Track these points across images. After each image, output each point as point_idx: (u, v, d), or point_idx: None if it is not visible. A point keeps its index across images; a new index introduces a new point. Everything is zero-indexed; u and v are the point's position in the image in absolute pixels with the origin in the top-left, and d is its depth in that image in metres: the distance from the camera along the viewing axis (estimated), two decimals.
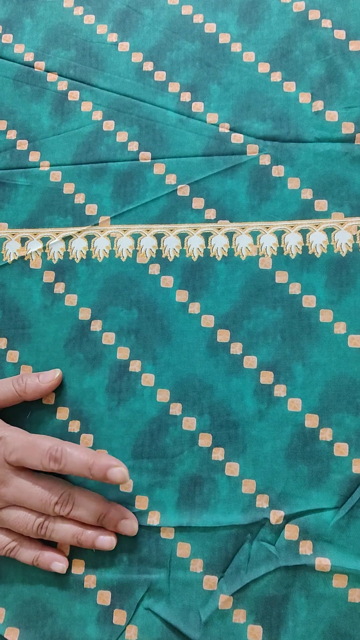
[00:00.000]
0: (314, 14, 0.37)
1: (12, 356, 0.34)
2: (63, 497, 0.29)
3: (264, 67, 0.37)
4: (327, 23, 0.37)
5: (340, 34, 0.37)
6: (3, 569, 0.32)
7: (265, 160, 0.35)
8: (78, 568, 0.31)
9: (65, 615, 0.30)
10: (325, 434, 0.31)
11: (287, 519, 0.30)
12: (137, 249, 0.35)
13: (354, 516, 0.29)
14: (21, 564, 0.31)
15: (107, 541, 0.29)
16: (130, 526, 0.30)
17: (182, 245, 0.35)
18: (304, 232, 0.34)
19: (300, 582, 0.29)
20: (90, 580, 0.31)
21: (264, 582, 0.29)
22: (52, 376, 0.32)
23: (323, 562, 0.29)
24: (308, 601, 0.29)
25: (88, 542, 0.29)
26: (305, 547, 0.29)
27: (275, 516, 0.30)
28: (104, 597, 0.30)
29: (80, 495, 0.30)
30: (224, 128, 0.36)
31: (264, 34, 0.38)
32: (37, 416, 0.33)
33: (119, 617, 0.30)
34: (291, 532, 0.30)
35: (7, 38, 0.40)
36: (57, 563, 0.30)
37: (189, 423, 0.32)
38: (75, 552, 0.31)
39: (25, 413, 0.33)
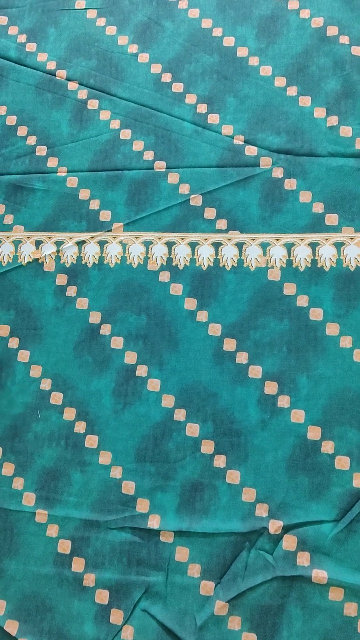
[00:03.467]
0: (332, 30, 0.38)
1: (23, 356, 0.35)
2: None
3: (280, 81, 0.38)
4: (344, 39, 0.37)
5: (357, 51, 0.37)
6: (5, 563, 0.32)
7: (278, 173, 0.36)
8: (78, 566, 0.32)
9: (63, 611, 0.31)
10: (327, 447, 0.31)
11: (286, 529, 0.30)
12: (148, 256, 0.36)
13: (353, 530, 0.30)
14: (24, 559, 0.32)
15: None
16: None
17: (193, 254, 0.35)
18: (313, 246, 0.34)
19: (296, 592, 0.29)
20: (89, 579, 0.31)
21: (260, 591, 0.30)
22: None
23: (320, 575, 0.29)
24: (303, 612, 0.29)
25: None
26: (303, 559, 0.30)
27: (274, 526, 0.30)
28: (102, 596, 0.31)
29: None
30: (239, 140, 0.37)
31: (282, 48, 0.38)
32: (45, 416, 0.34)
33: (116, 616, 0.31)
34: (289, 542, 0.30)
35: (31, 47, 0.41)
36: None
37: (192, 429, 0.32)
38: (75, 550, 0.32)
39: (35, 413, 0.34)
